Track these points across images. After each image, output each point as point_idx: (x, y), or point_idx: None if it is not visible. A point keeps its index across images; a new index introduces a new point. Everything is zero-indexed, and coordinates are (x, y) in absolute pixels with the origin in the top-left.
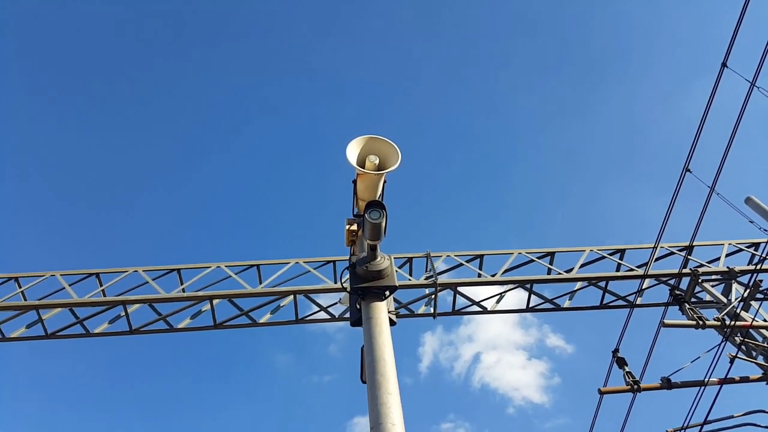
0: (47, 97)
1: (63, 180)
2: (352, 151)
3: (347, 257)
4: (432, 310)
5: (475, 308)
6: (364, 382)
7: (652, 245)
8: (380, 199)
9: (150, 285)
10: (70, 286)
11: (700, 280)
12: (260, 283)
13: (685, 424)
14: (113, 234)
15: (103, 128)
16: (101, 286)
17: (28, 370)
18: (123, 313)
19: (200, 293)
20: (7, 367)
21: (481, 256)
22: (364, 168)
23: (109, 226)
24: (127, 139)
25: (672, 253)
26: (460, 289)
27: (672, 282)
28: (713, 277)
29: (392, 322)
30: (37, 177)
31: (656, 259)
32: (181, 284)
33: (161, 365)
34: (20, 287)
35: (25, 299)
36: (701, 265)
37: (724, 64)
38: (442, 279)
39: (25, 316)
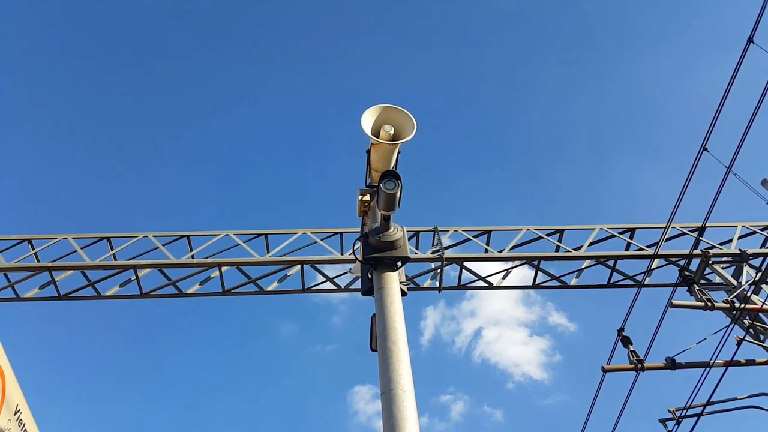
0: (62, 55)
1: (75, 141)
2: (367, 120)
3: (355, 230)
4: (438, 284)
5: (481, 283)
6: (373, 350)
7: (664, 225)
8: (394, 170)
9: (160, 250)
10: (82, 249)
11: (710, 262)
12: (268, 252)
13: (688, 405)
14: (124, 199)
15: (117, 87)
16: (112, 250)
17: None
18: (134, 277)
19: (209, 260)
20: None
21: (488, 232)
22: (378, 138)
23: (120, 191)
24: (139, 101)
25: (683, 234)
26: (466, 264)
27: (682, 263)
28: (724, 259)
29: (403, 293)
30: (51, 137)
31: (667, 239)
32: (191, 251)
33: (169, 330)
34: (33, 249)
35: (38, 261)
36: (712, 247)
37: (750, 40)
38: (449, 254)
39: (38, 277)
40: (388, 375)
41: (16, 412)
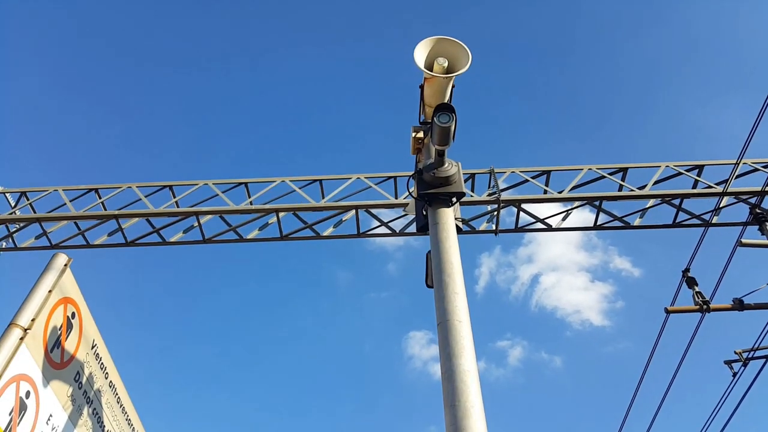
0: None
1: (135, 93)
2: (420, 53)
3: (408, 173)
4: (494, 227)
5: (539, 225)
6: (429, 287)
7: (734, 161)
8: (448, 103)
9: (220, 198)
10: (146, 197)
11: None
12: (323, 197)
13: (756, 346)
14: (184, 148)
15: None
16: (174, 197)
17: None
18: (196, 224)
19: (267, 206)
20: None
21: (548, 172)
22: (432, 71)
23: (179, 139)
24: (190, 58)
25: (756, 170)
26: (523, 206)
27: (753, 201)
28: None
29: (459, 230)
30: (112, 92)
31: (738, 176)
32: (249, 197)
33: (233, 275)
34: (100, 198)
35: (105, 209)
36: None
37: None
38: (506, 195)
39: (106, 225)
40: (444, 306)
41: (93, 346)
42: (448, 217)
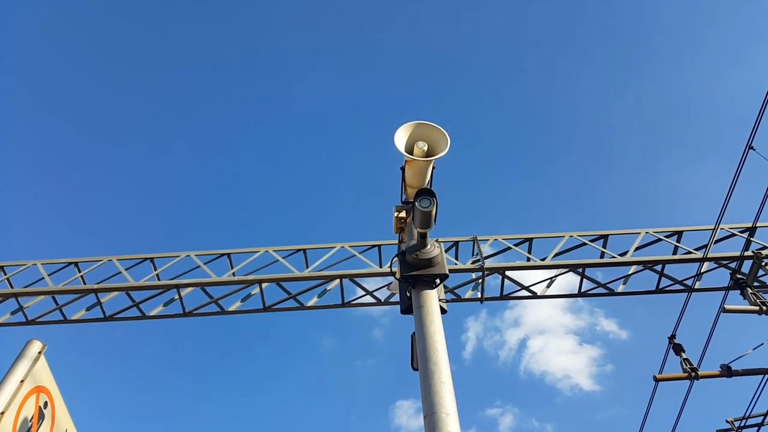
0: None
1: (115, 166)
2: (401, 137)
3: (393, 242)
4: (479, 295)
5: (524, 293)
6: (415, 369)
7: (712, 227)
8: (429, 186)
9: (202, 269)
10: (126, 270)
11: (763, 263)
12: (307, 267)
13: (747, 414)
14: (166, 220)
15: (148, 107)
16: (155, 270)
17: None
18: (177, 296)
19: (250, 277)
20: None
21: (530, 240)
22: (412, 154)
23: (161, 212)
24: (173, 119)
25: (733, 235)
26: (508, 273)
27: (733, 265)
28: None
29: (443, 311)
30: (94, 166)
31: (716, 241)
32: (231, 268)
33: (212, 346)
34: (80, 271)
35: (85, 283)
36: (765, 248)
37: None
38: (490, 263)
39: (85, 299)
40: (430, 398)
41: None
42: (432, 299)
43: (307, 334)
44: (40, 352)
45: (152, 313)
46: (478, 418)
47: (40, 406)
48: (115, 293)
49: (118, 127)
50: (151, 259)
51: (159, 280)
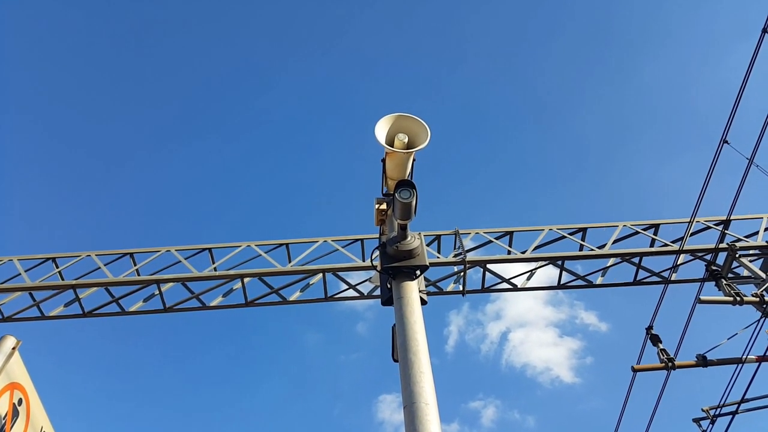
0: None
1: (95, 158)
2: (381, 129)
3: (375, 236)
4: (461, 288)
5: (505, 285)
6: (395, 361)
7: (688, 220)
8: (410, 178)
9: (183, 264)
10: (105, 266)
11: (737, 255)
12: (290, 261)
13: (722, 403)
14: (146, 215)
15: (131, 97)
16: (135, 265)
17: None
18: (157, 292)
19: (231, 272)
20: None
21: (510, 233)
22: (393, 147)
23: (141, 207)
24: (156, 113)
25: (708, 228)
26: (489, 266)
27: (708, 257)
28: (751, 252)
29: (423, 302)
30: (73, 160)
31: (692, 234)
32: (213, 263)
33: (194, 343)
34: (57, 267)
35: (63, 279)
36: (739, 240)
37: (765, 30)
38: (471, 256)
39: (63, 295)
40: (410, 388)
41: None
42: (412, 290)
43: (290, 330)
44: (14, 348)
45: (132, 309)
46: (461, 411)
47: (14, 403)
48: (94, 289)
49: (96, 122)
50: (131, 255)
51: (139, 275)
